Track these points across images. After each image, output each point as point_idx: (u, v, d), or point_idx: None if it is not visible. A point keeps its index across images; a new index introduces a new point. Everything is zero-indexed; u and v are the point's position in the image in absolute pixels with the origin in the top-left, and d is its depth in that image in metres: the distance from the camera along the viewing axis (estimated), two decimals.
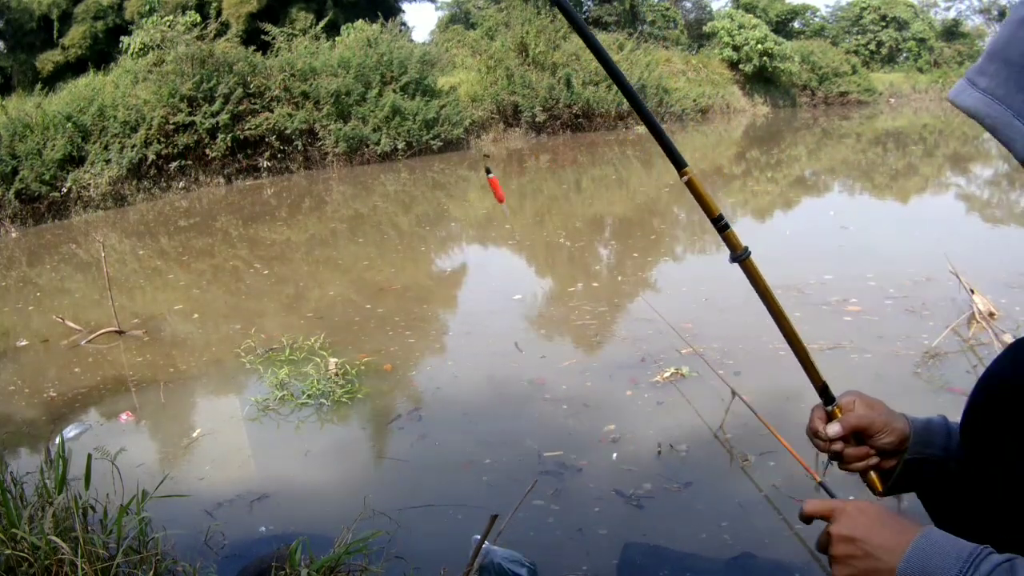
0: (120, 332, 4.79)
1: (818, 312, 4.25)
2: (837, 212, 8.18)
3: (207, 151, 11.98)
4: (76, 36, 20.95)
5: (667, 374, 3.46)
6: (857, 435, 0.95)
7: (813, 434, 0.96)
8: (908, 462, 0.92)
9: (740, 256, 0.99)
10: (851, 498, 0.97)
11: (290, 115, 12.65)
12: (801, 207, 8.96)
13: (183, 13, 16.79)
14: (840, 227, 6.91)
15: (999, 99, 0.72)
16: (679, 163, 1.03)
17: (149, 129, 11.34)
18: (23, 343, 4.94)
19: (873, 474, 0.96)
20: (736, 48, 23.27)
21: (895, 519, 0.79)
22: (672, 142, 1.03)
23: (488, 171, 2.17)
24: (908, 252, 5.55)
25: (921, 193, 9.62)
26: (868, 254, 5.58)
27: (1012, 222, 7.40)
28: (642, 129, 18.07)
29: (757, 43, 22.91)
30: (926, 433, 0.94)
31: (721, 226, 1.00)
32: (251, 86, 12.53)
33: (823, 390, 0.98)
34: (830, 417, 0.96)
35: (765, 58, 23.04)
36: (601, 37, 19.26)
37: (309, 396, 3.53)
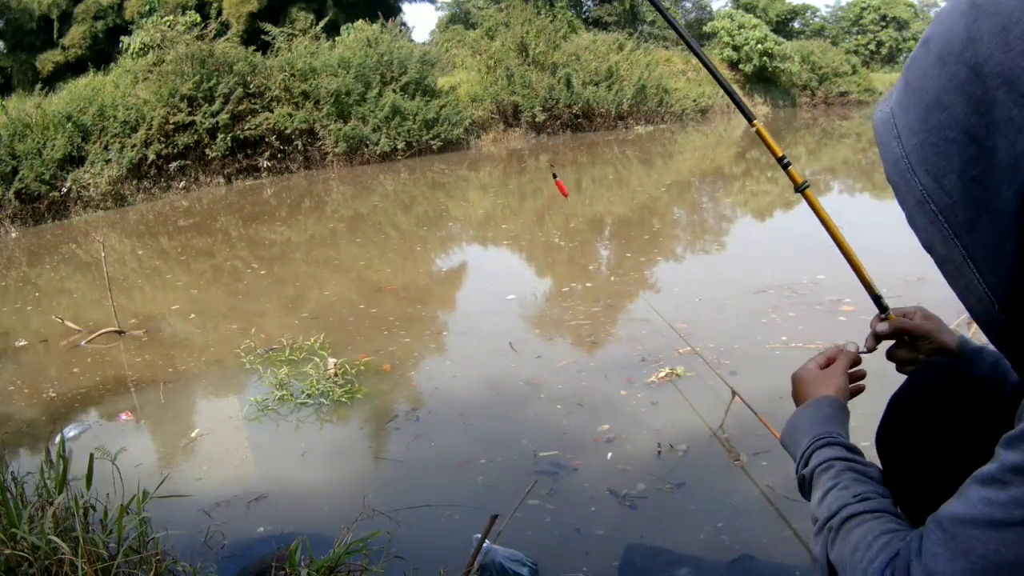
0: (120, 332, 4.79)
1: (813, 312, 4.26)
2: (831, 212, 8.18)
3: (207, 151, 11.99)
4: (76, 36, 20.96)
5: (662, 374, 3.47)
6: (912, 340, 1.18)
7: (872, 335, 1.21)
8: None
9: (801, 187, 1.31)
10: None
11: (290, 115, 12.65)
12: (797, 207, 8.97)
13: (183, 13, 16.80)
14: None
15: (895, 116, 0.75)
16: (749, 116, 1.34)
17: (149, 129, 11.34)
18: (22, 343, 4.95)
19: None
20: (736, 48, 23.27)
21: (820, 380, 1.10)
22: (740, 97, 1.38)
23: (555, 175, 2.57)
24: (900, 253, 5.55)
25: None
26: (860, 254, 5.55)
27: None
28: (641, 129, 18.07)
29: (757, 43, 22.92)
30: (976, 355, 1.12)
31: (784, 164, 1.31)
32: (251, 86, 12.53)
33: (877, 299, 1.25)
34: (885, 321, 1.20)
35: (765, 58, 23.04)
36: (601, 37, 19.26)
37: (308, 396, 3.53)
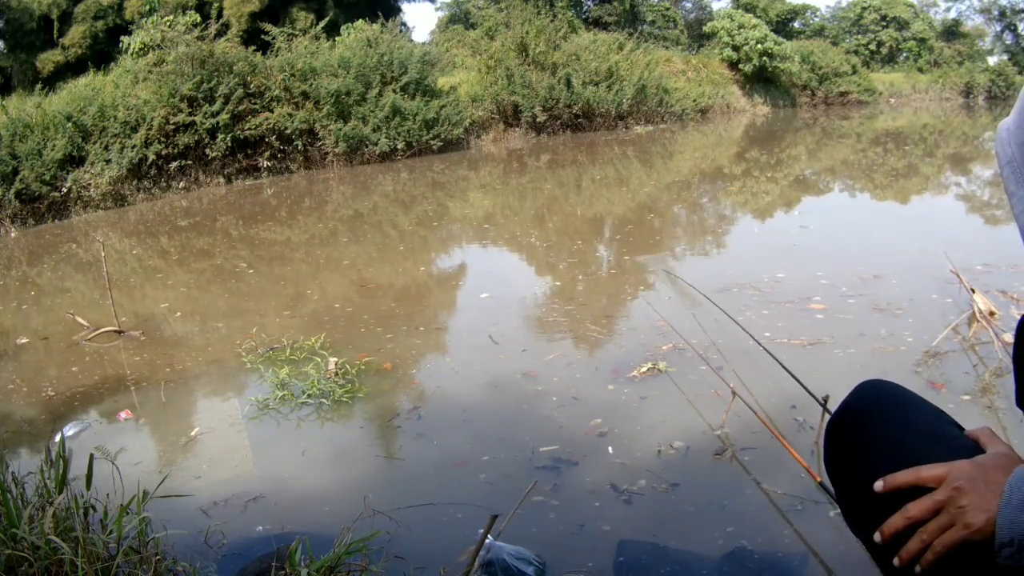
0: (120, 332, 4.79)
1: (785, 310, 4.28)
2: (802, 211, 8.24)
3: (207, 151, 11.98)
4: (76, 36, 20.97)
5: (644, 369, 3.50)
6: None
7: None
8: None
9: None
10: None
11: (290, 115, 12.65)
12: (784, 206, 8.96)
13: (183, 13, 16.79)
14: (800, 226, 7.04)
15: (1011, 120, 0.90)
16: None
17: (149, 129, 11.33)
18: (23, 340, 4.95)
19: None
20: (736, 48, 23.27)
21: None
22: None
23: None
24: (861, 252, 5.62)
25: (899, 192, 9.63)
26: (818, 252, 5.68)
27: (972, 220, 7.41)
28: (641, 129, 18.07)
29: (757, 43, 22.91)
30: None
31: None
32: (251, 86, 12.53)
33: None
34: None
35: (765, 58, 23.04)
36: (601, 37, 19.27)
37: (309, 396, 3.53)
